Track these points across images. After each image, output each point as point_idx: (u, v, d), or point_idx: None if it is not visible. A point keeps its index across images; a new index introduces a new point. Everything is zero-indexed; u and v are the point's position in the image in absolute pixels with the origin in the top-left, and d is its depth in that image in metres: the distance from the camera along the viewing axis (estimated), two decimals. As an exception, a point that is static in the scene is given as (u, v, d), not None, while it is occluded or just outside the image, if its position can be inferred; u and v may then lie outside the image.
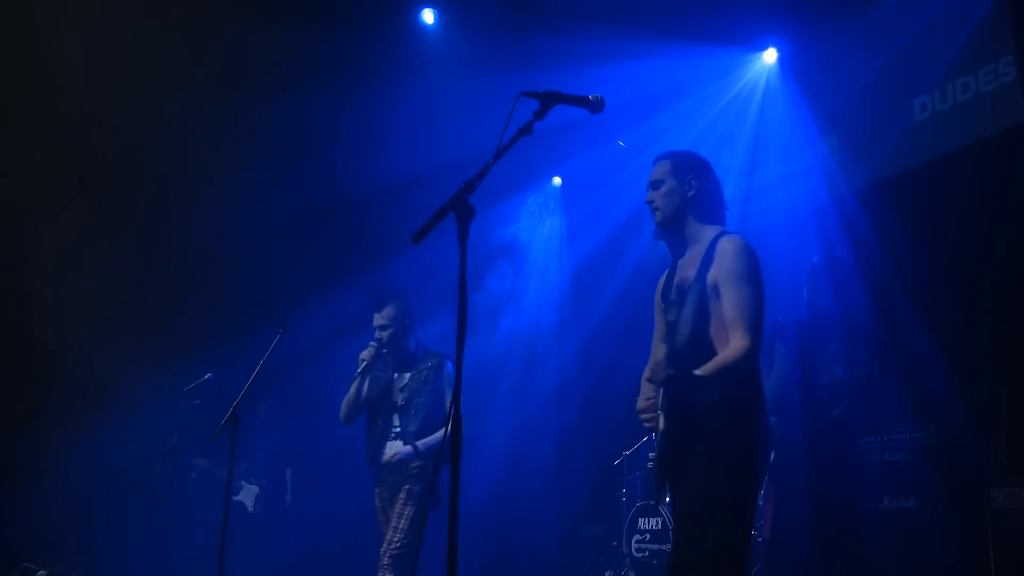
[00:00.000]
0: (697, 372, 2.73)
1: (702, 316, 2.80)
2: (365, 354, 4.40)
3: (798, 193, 6.03)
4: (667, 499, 5.65)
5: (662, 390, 2.87)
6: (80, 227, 6.09)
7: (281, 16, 5.96)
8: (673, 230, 3.05)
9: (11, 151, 5.82)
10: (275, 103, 6.56)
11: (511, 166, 6.90)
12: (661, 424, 2.86)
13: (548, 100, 2.45)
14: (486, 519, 6.73)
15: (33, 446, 6.05)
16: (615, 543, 6.09)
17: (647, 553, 5.45)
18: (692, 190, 3.00)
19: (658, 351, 3.13)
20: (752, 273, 2.77)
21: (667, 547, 5.28)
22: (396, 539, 4.22)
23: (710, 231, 2.97)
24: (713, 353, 2.76)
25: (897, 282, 4.99)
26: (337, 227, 7.35)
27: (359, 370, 4.40)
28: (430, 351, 4.58)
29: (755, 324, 2.73)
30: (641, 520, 5.58)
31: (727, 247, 2.83)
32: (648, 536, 5.49)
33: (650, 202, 3.07)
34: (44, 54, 5.57)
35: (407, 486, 4.31)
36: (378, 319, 4.46)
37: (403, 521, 4.24)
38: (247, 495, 6.51)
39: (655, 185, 3.06)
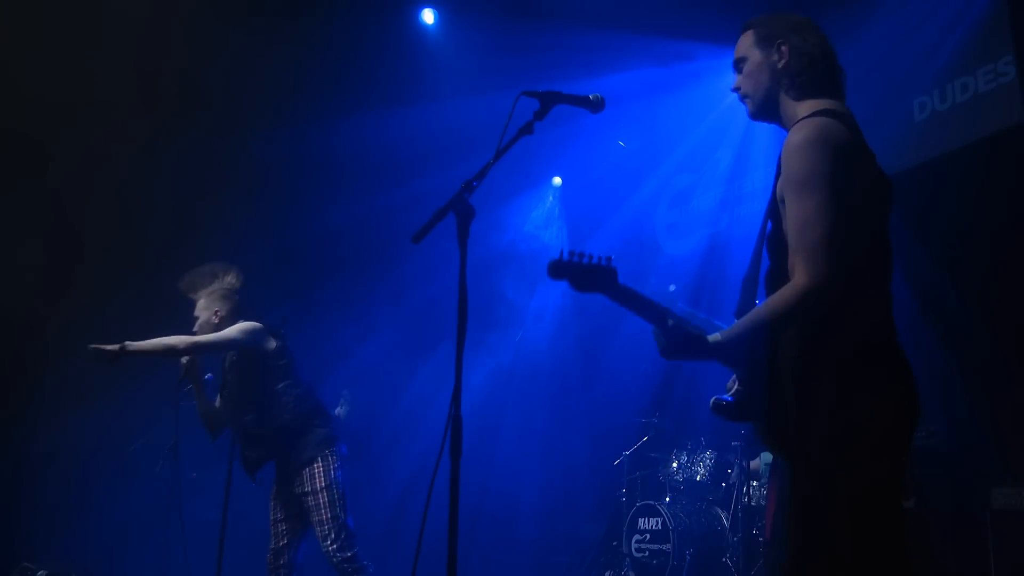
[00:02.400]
0: (715, 336, 2.02)
1: (774, 243, 2.09)
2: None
3: (798, 193, 6.02)
4: (667, 499, 5.66)
5: None
6: (82, 227, 6.09)
7: (278, 25, 5.98)
8: (772, 119, 2.28)
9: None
10: (278, 113, 6.59)
11: (515, 166, 6.90)
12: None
13: (548, 100, 2.45)
14: (486, 519, 6.73)
15: (33, 446, 6.05)
16: (615, 543, 6.09)
17: (647, 553, 5.45)
18: (783, 59, 2.21)
19: None
20: (818, 175, 1.93)
21: (667, 547, 5.29)
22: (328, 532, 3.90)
23: (803, 110, 2.15)
24: None
25: (896, 281, 4.99)
26: (339, 236, 7.35)
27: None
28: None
29: (815, 251, 1.91)
30: (641, 520, 5.58)
31: (791, 141, 2.02)
32: (648, 536, 5.49)
33: (736, 89, 2.33)
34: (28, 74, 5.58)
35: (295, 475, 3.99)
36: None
37: (322, 513, 3.91)
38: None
39: (738, 65, 2.31)
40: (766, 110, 2.27)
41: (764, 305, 1.99)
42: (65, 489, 6.00)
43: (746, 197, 6.45)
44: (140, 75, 5.82)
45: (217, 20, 5.70)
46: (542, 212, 8.38)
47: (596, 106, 2.51)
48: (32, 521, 5.88)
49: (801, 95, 2.21)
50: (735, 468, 5.45)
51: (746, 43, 2.30)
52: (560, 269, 2.07)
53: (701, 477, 5.61)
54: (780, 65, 2.22)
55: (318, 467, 3.87)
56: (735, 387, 2.12)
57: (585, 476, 7.23)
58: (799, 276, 1.93)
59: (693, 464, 5.67)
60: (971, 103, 4.90)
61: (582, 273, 2.10)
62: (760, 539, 5.01)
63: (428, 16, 6.68)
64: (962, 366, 4.60)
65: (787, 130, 2.18)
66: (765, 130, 6.26)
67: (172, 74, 5.99)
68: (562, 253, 2.07)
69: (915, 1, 5.19)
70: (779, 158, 2.06)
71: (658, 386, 6.43)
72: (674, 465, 5.74)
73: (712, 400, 2.11)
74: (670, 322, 2.08)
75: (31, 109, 5.63)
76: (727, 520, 5.40)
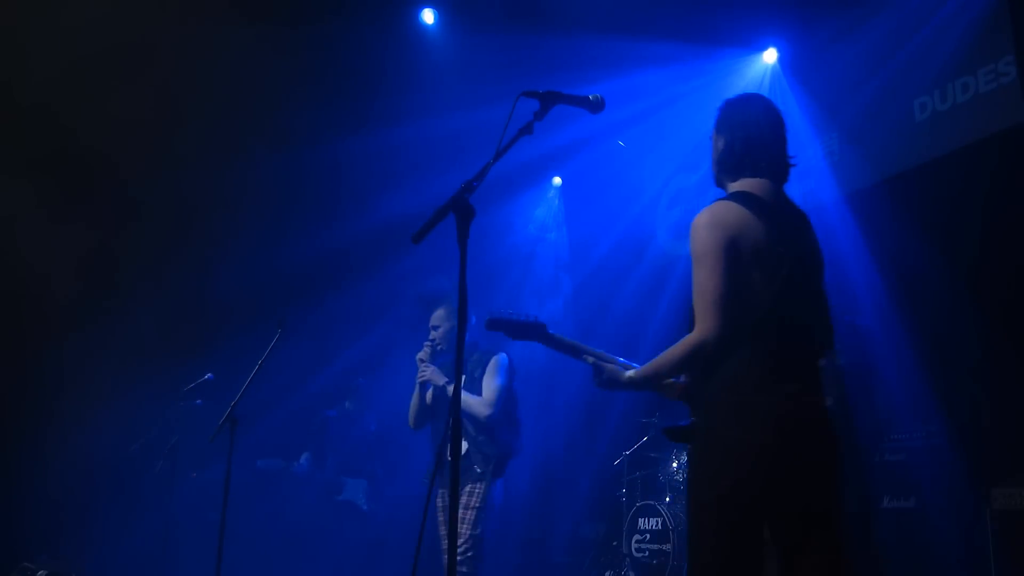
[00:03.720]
0: (629, 374, 2.53)
1: (688, 310, 2.47)
2: (421, 354, 4.40)
3: (798, 193, 5.96)
4: (667, 499, 5.66)
5: None
6: (81, 228, 6.09)
7: (278, 28, 5.99)
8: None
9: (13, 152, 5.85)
10: (278, 118, 6.59)
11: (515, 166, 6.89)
12: None
13: (548, 100, 2.45)
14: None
15: (32, 446, 6.05)
16: (615, 543, 6.09)
17: (647, 553, 5.45)
18: (719, 151, 2.68)
19: None
20: (705, 252, 2.36)
21: (667, 547, 5.29)
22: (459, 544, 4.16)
23: (729, 191, 2.59)
24: None
25: (896, 282, 4.99)
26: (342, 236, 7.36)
27: (418, 374, 4.38)
28: (482, 349, 4.47)
29: (706, 312, 2.32)
30: (641, 520, 5.58)
31: (692, 223, 2.44)
32: (648, 536, 5.49)
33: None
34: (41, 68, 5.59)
35: (468, 487, 4.25)
36: (432, 320, 4.49)
37: (465, 526, 4.19)
38: (355, 491, 6.25)
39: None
40: (719, 184, 2.73)
41: (669, 351, 2.41)
42: (65, 489, 6.00)
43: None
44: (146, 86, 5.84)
45: (217, 26, 5.72)
46: (543, 212, 8.39)
47: (596, 106, 2.52)
48: (32, 521, 5.88)
49: (727, 178, 2.65)
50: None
51: (713, 131, 2.76)
52: (495, 323, 2.58)
53: (701, 477, 5.61)
54: (717, 156, 2.71)
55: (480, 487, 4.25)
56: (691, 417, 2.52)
57: (585, 476, 7.23)
58: (695, 330, 2.35)
59: (693, 464, 5.66)
60: (972, 103, 4.90)
61: (514, 327, 2.64)
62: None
63: (428, 16, 6.68)
64: (962, 366, 4.60)
65: None
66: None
67: (174, 79, 6.00)
68: (498, 310, 2.56)
69: (915, 1, 5.19)
70: None
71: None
72: (674, 465, 5.74)
73: (664, 428, 2.56)
74: (591, 360, 2.59)
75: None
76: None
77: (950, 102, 5.02)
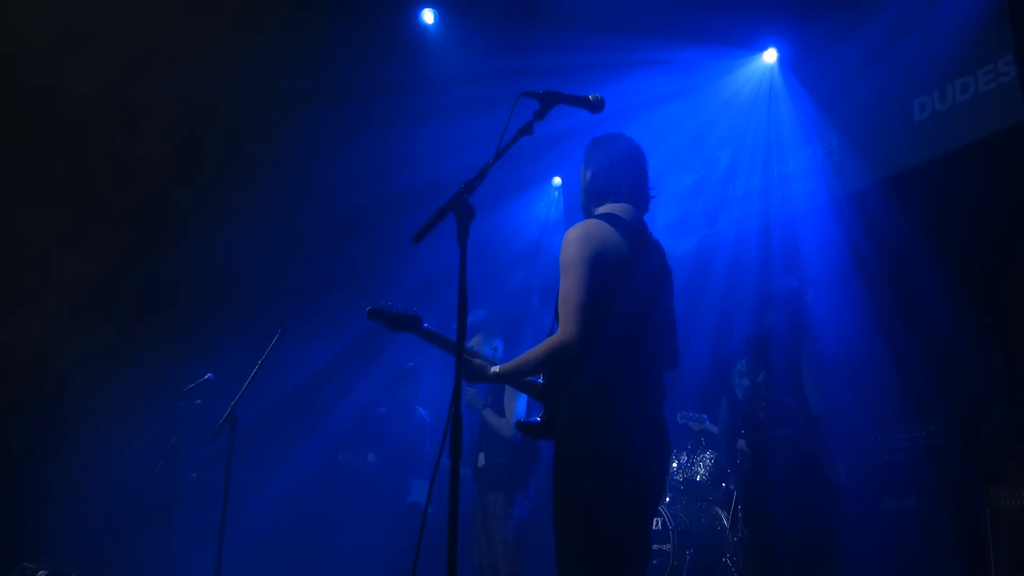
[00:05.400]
0: (495, 368, 2.68)
1: (555, 308, 2.65)
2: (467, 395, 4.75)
3: (797, 193, 6.03)
4: (667, 499, 5.67)
5: None
6: (83, 229, 6.10)
7: (277, 28, 5.99)
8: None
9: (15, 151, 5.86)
10: (279, 114, 6.59)
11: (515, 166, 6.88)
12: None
13: (548, 100, 2.45)
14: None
15: (32, 446, 6.06)
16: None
17: (647, 553, 5.44)
18: (587, 180, 2.86)
19: None
20: (572, 263, 2.54)
21: (667, 547, 5.29)
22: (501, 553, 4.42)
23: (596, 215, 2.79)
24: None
25: (896, 282, 5.00)
26: (344, 235, 7.36)
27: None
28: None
29: (569, 318, 2.50)
30: (641, 520, 5.57)
31: (564, 236, 2.64)
32: (648, 536, 5.48)
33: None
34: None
35: (491, 495, 4.53)
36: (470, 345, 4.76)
37: (499, 535, 4.44)
38: (423, 494, 6.23)
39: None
40: (585, 212, 2.86)
41: (532, 350, 2.59)
42: (65, 489, 6.00)
43: (746, 197, 6.44)
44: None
45: (217, 30, 5.72)
46: (543, 212, 8.39)
47: (596, 107, 2.52)
48: (32, 521, 5.88)
49: (593, 205, 2.83)
50: (735, 469, 5.45)
51: (582, 165, 2.91)
52: (375, 314, 2.75)
53: (701, 477, 5.61)
54: (585, 185, 2.86)
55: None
56: (542, 412, 2.70)
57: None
58: (558, 333, 2.53)
59: (693, 464, 5.66)
60: (971, 103, 4.90)
61: (392, 319, 2.79)
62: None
63: (428, 16, 6.68)
64: (962, 366, 4.60)
65: None
66: (765, 131, 6.26)
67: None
68: (379, 303, 2.75)
69: (915, 1, 5.19)
70: None
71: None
72: (674, 465, 5.74)
73: (516, 422, 2.84)
74: (463, 354, 2.60)
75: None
76: (727, 520, 5.40)
77: (950, 102, 5.02)
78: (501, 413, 4.61)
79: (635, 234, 2.68)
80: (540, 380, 2.78)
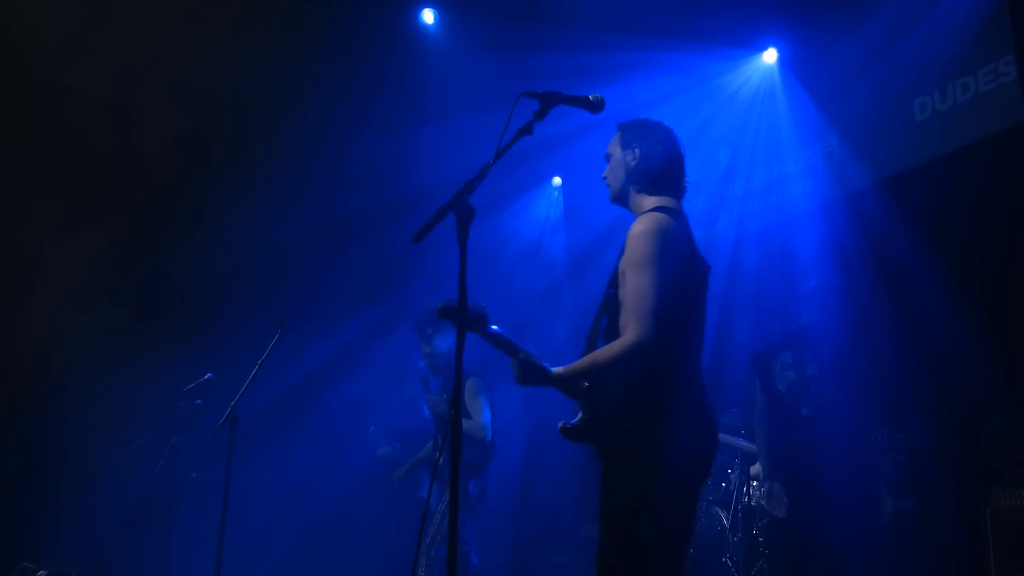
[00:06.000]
0: (557, 370, 2.56)
1: (615, 308, 2.58)
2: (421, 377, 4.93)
3: (798, 193, 6.03)
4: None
5: None
6: (83, 229, 6.10)
7: (276, 27, 6.00)
8: (623, 205, 2.83)
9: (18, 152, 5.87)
10: (279, 114, 6.59)
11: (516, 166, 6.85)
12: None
13: (548, 100, 2.46)
14: (486, 519, 6.73)
15: (32, 446, 6.05)
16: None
17: (647, 553, 5.44)
18: (634, 159, 2.75)
19: None
20: (652, 258, 2.46)
21: (667, 547, 5.28)
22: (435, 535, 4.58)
23: (647, 205, 2.70)
24: None
25: (896, 282, 4.99)
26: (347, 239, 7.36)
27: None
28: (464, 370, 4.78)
29: (646, 316, 2.41)
30: (641, 520, 5.57)
31: (635, 230, 2.55)
32: (648, 536, 5.48)
33: (604, 177, 2.87)
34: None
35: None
36: (425, 348, 4.90)
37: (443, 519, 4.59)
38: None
39: (606, 160, 2.88)
40: (620, 199, 2.82)
41: (600, 351, 2.51)
42: (65, 489, 6.00)
43: (746, 197, 6.44)
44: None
45: (216, 33, 5.73)
46: (543, 212, 8.39)
47: (596, 107, 2.52)
48: (32, 521, 5.87)
49: (644, 191, 2.73)
50: (735, 469, 5.45)
51: (613, 142, 2.85)
52: (448, 312, 2.57)
53: (701, 477, 5.60)
54: (632, 164, 2.75)
55: None
56: (580, 415, 2.64)
57: (585, 476, 7.23)
58: (629, 333, 2.43)
59: (693, 464, 5.66)
60: (972, 103, 4.90)
61: (462, 317, 2.66)
62: (760, 539, 5.01)
63: (428, 16, 6.68)
64: (962, 366, 4.60)
65: (635, 216, 2.70)
66: (765, 131, 6.26)
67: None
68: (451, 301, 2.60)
69: (915, 1, 5.19)
70: (624, 242, 2.59)
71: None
72: (674, 465, 5.74)
73: (559, 425, 2.66)
74: (522, 355, 2.60)
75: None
76: (727, 520, 5.40)
77: (950, 102, 5.02)
78: (466, 415, 4.68)
79: (690, 231, 2.66)
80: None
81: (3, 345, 5.95)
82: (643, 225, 2.54)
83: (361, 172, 7.09)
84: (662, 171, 2.74)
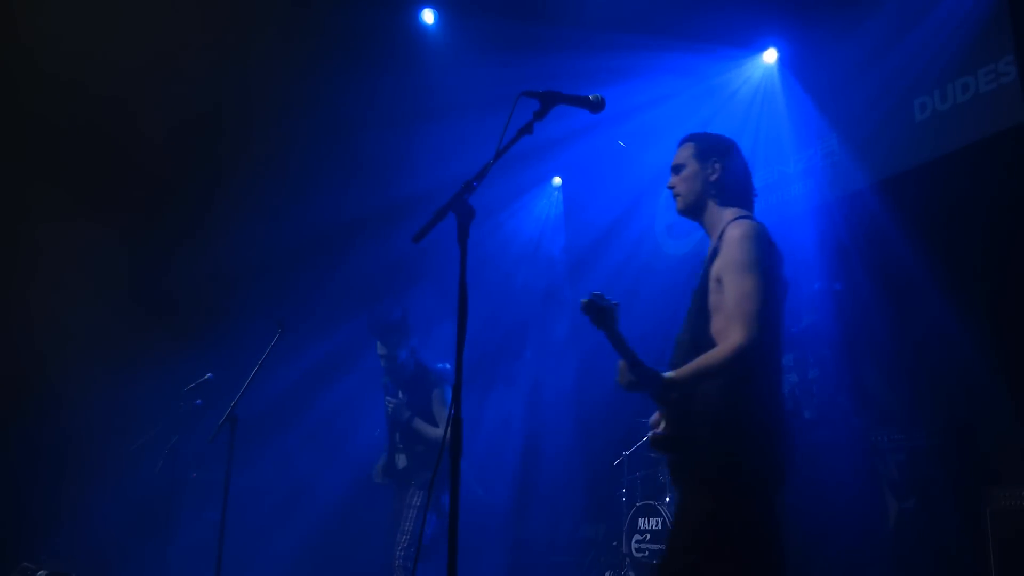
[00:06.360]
0: (669, 374, 2.50)
1: (703, 312, 2.56)
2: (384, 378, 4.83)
3: (798, 193, 6.03)
4: (667, 499, 5.66)
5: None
6: (83, 229, 6.10)
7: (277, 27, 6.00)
8: (694, 217, 2.85)
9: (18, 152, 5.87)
10: (280, 115, 6.60)
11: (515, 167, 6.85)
12: (661, 429, 2.61)
13: (548, 100, 2.45)
14: (486, 519, 6.73)
15: (33, 446, 6.05)
16: (615, 543, 6.09)
17: (647, 553, 5.45)
18: (715, 173, 2.80)
19: None
20: (755, 262, 2.48)
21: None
22: (404, 542, 4.52)
23: (728, 216, 2.74)
24: None
25: (896, 282, 4.99)
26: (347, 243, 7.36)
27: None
28: (428, 370, 4.83)
29: (753, 318, 2.40)
30: (641, 520, 5.58)
31: (733, 233, 2.58)
32: (648, 536, 5.49)
33: (672, 187, 2.88)
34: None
35: (411, 491, 4.67)
36: (379, 348, 4.80)
37: (408, 524, 4.57)
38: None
39: (677, 169, 2.88)
40: (694, 211, 2.83)
41: (706, 356, 2.45)
42: (65, 489, 6.00)
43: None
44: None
45: (217, 36, 5.73)
46: (542, 212, 8.39)
47: (596, 106, 2.51)
48: (32, 521, 5.87)
49: (725, 204, 2.78)
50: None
51: (686, 153, 2.87)
52: (588, 307, 2.57)
53: (701, 477, 5.61)
54: (712, 178, 2.80)
55: None
56: (662, 424, 2.59)
57: (585, 476, 7.23)
58: (736, 336, 2.41)
59: (693, 464, 5.66)
60: (972, 103, 4.90)
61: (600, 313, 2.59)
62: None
63: (428, 16, 6.68)
64: (962, 366, 4.60)
65: (706, 228, 2.80)
66: (765, 131, 6.26)
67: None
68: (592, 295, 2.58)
69: (915, 1, 5.19)
70: (714, 248, 2.61)
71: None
72: (674, 465, 5.74)
73: (650, 436, 2.61)
74: (638, 359, 2.55)
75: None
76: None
77: (950, 102, 5.02)
78: (432, 422, 4.67)
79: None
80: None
81: (3, 345, 5.95)
82: (743, 229, 2.58)
83: (363, 173, 7.09)
84: (743, 185, 2.84)
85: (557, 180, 8.34)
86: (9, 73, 5.71)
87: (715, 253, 2.61)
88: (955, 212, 4.83)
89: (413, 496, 4.63)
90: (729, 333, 2.44)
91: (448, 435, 2.12)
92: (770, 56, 6.21)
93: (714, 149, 2.85)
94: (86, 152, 6.13)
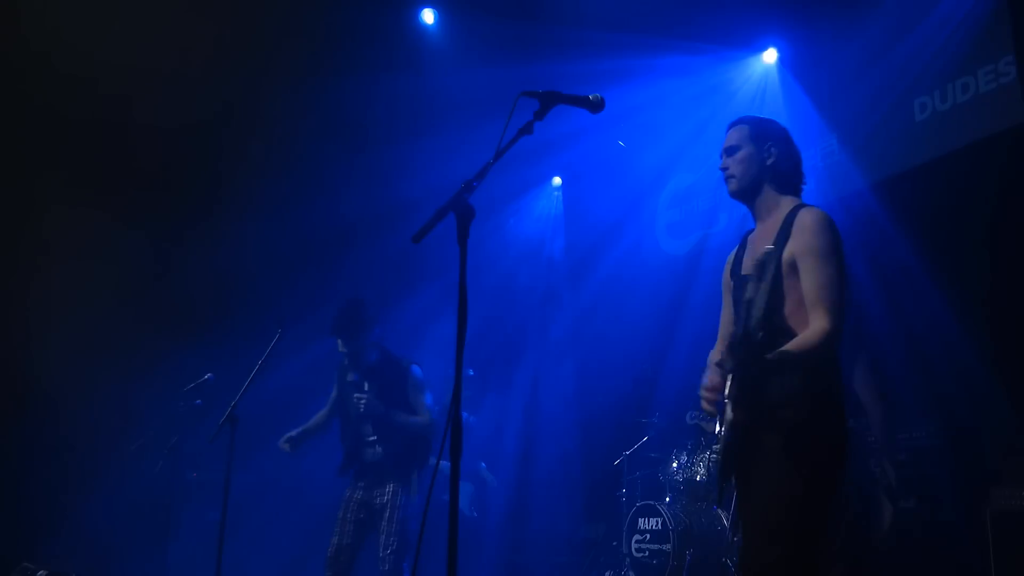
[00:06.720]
0: (771, 356, 2.45)
1: (777, 294, 2.52)
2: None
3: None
4: (667, 499, 5.66)
5: (731, 376, 2.52)
6: (83, 229, 6.10)
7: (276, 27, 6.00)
8: (747, 200, 2.84)
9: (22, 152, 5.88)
10: (281, 115, 6.60)
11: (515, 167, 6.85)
12: (729, 413, 2.51)
13: (548, 100, 2.45)
14: (486, 519, 6.73)
15: (33, 446, 6.05)
16: (615, 543, 6.09)
17: (647, 553, 5.45)
18: (771, 157, 2.80)
19: (726, 333, 2.90)
20: (835, 249, 2.52)
21: (667, 547, 5.28)
22: (393, 544, 4.43)
23: (787, 202, 2.76)
24: (790, 336, 2.49)
25: (896, 282, 4.99)
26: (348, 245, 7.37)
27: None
28: (394, 356, 4.73)
29: (837, 306, 2.46)
30: (641, 520, 5.58)
31: (807, 219, 2.59)
32: (648, 536, 5.48)
33: (724, 168, 2.85)
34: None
35: (390, 486, 4.54)
36: (340, 346, 4.70)
37: (394, 526, 4.46)
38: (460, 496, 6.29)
39: (731, 151, 2.84)
40: (748, 194, 2.82)
41: (798, 341, 2.46)
42: (65, 489, 6.00)
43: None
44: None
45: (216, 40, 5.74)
46: (542, 212, 8.40)
47: (596, 106, 2.51)
48: (32, 521, 5.87)
49: (782, 190, 2.80)
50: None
51: (741, 135, 2.84)
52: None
53: (701, 477, 5.60)
54: (769, 162, 2.80)
55: None
56: (729, 408, 2.51)
57: (585, 476, 7.23)
58: (823, 322, 2.44)
59: (693, 464, 5.66)
60: (972, 103, 4.90)
61: None
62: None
63: (428, 16, 6.68)
64: (962, 366, 4.60)
65: (757, 211, 2.81)
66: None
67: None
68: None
69: (915, 1, 5.19)
70: (780, 233, 2.61)
71: (657, 386, 6.43)
72: (674, 465, 5.74)
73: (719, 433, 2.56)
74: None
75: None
76: (727, 520, 5.40)
77: (950, 102, 5.02)
78: (408, 409, 4.57)
79: None
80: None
81: (3, 344, 5.95)
82: (819, 216, 2.59)
83: (363, 173, 7.09)
84: (796, 172, 2.85)
85: (557, 180, 8.34)
86: (11, 72, 5.71)
87: (785, 235, 2.60)
88: (955, 212, 4.83)
89: (390, 494, 4.49)
90: (812, 319, 2.47)
91: (449, 434, 2.12)
92: (770, 56, 6.22)
93: (769, 133, 2.84)
94: (86, 152, 6.13)
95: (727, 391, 2.53)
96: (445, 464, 2.10)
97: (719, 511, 5.54)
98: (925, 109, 5.17)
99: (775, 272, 2.51)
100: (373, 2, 6.41)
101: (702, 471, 5.64)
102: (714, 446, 5.54)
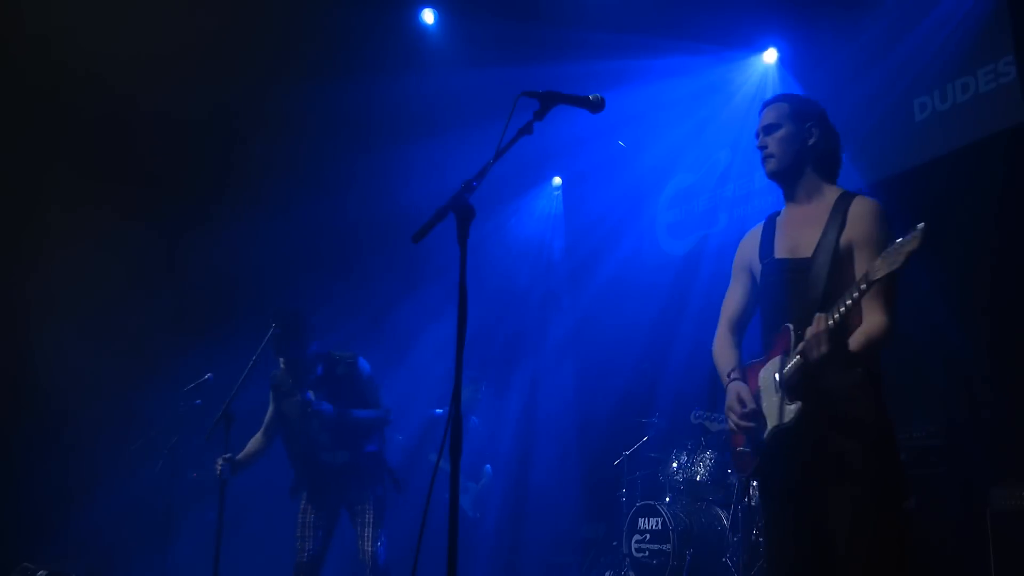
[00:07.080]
0: (851, 346, 2.38)
1: (834, 283, 2.44)
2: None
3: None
4: (667, 499, 5.66)
5: (790, 366, 2.40)
6: (84, 229, 6.11)
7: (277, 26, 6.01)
8: (787, 181, 2.70)
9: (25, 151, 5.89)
10: (281, 115, 6.60)
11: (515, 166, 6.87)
12: (786, 402, 2.40)
13: (548, 100, 2.44)
14: (486, 519, 6.73)
15: (33, 446, 6.05)
16: (615, 543, 6.09)
17: (647, 553, 5.45)
18: (812, 137, 2.66)
19: (732, 316, 2.84)
20: (892, 239, 2.39)
21: (667, 547, 5.28)
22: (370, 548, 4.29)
23: (832, 189, 2.65)
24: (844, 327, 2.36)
25: (895, 282, 4.98)
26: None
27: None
28: (336, 356, 4.49)
29: (894, 302, 2.42)
30: (641, 520, 5.58)
31: (864, 209, 2.52)
32: (648, 536, 5.48)
33: (763, 147, 2.72)
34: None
35: (365, 492, 4.41)
36: (282, 363, 4.53)
37: (368, 530, 4.32)
38: (464, 499, 6.27)
39: (769, 129, 2.72)
40: (788, 175, 2.68)
41: (863, 334, 2.40)
42: (66, 489, 6.00)
43: (747, 197, 6.44)
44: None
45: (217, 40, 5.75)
46: (542, 212, 8.40)
47: (596, 106, 2.50)
48: (32, 521, 5.88)
49: (824, 175, 2.67)
50: (735, 469, 5.44)
51: (780, 112, 2.71)
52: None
53: (701, 477, 5.60)
54: (811, 143, 2.66)
55: None
56: (797, 403, 2.40)
57: (585, 476, 7.23)
58: (882, 316, 2.42)
59: (693, 464, 5.66)
60: (972, 103, 4.90)
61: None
62: (760, 539, 5.00)
63: (428, 16, 6.68)
64: (962, 366, 4.60)
65: (795, 194, 2.68)
66: (765, 130, 6.24)
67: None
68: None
69: (915, 1, 5.19)
70: (833, 218, 2.53)
71: (657, 387, 6.43)
72: (674, 465, 5.74)
73: (773, 428, 2.46)
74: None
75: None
76: (727, 520, 5.40)
77: (950, 102, 5.02)
78: (363, 404, 4.39)
79: None
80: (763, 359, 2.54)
81: (4, 344, 5.95)
82: (879, 206, 2.54)
83: (364, 173, 7.09)
84: (837, 156, 2.71)
85: (557, 180, 8.35)
86: (18, 67, 5.71)
87: (839, 223, 2.52)
88: (955, 212, 4.82)
89: (367, 494, 4.35)
90: (869, 312, 2.43)
91: (449, 434, 2.12)
92: (770, 56, 6.22)
93: (810, 113, 2.70)
94: (86, 151, 6.14)
95: (776, 385, 2.45)
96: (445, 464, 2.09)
97: (719, 511, 5.54)
98: (925, 109, 5.17)
99: (832, 260, 2.46)
100: (373, 2, 6.41)
101: (702, 471, 5.64)
102: (711, 446, 5.56)
